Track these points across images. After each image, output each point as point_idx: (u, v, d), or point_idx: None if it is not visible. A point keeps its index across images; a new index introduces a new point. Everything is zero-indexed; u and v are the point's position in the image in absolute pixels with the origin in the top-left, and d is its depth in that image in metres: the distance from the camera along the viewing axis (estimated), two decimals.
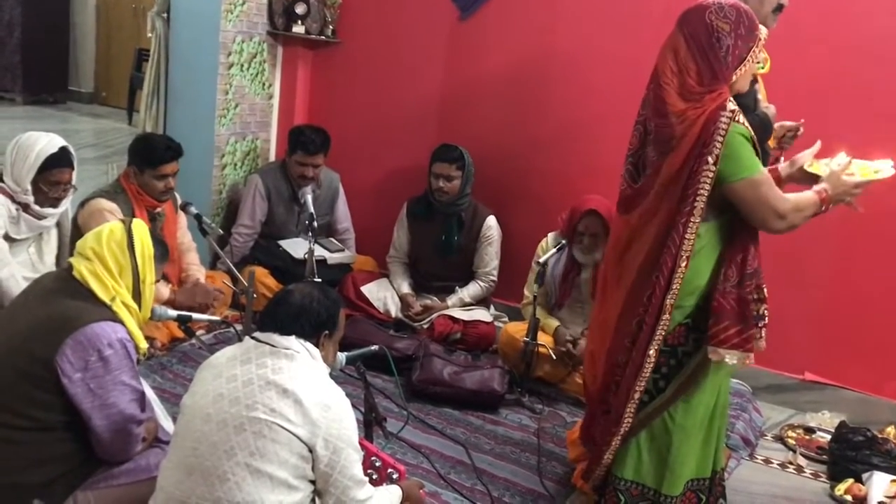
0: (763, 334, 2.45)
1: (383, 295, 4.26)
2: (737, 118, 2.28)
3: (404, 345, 3.85)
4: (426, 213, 4.25)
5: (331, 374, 2.10)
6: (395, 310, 4.21)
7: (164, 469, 2.00)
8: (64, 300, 2.22)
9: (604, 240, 3.61)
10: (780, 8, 2.81)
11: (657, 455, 2.51)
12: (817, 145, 2.53)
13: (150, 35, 4.66)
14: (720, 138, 2.25)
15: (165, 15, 4.52)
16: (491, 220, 4.23)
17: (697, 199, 2.29)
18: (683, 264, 2.34)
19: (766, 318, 2.46)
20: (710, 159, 2.26)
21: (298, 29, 4.71)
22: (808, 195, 2.38)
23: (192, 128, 4.48)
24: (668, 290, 2.36)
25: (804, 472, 3.36)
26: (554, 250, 3.66)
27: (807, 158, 2.51)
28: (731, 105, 2.28)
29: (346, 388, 2.12)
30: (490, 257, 4.24)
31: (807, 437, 3.60)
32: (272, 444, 1.87)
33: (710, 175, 2.27)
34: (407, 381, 3.61)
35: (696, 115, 2.28)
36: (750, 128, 2.33)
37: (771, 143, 2.94)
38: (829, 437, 3.50)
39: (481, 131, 4.40)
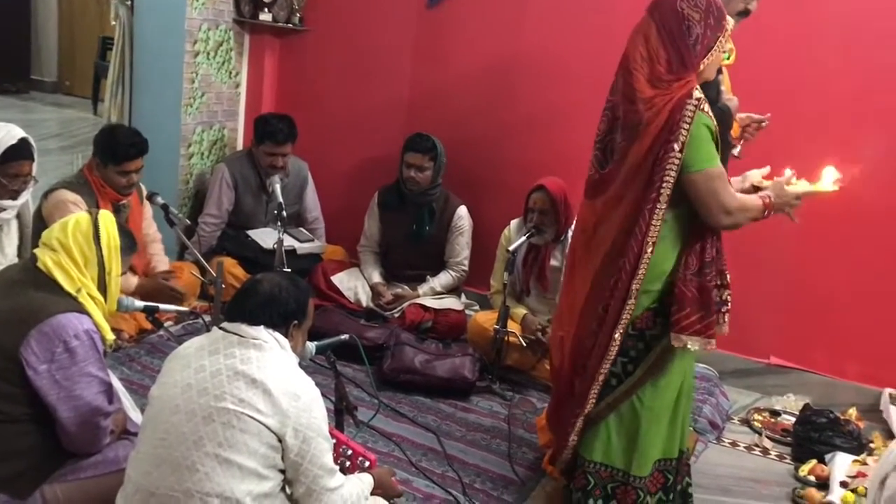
0: (726, 319, 2.49)
1: (354, 284, 4.25)
2: (703, 107, 2.30)
3: (375, 334, 3.85)
4: (397, 203, 4.24)
5: (301, 364, 2.09)
6: (365, 299, 4.20)
7: (132, 460, 1.98)
8: (29, 291, 2.20)
9: (552, 217, 3.68)
10: (746, 12, 2.85)
11: (626, 437, 2.54)
12: (767, 169, 2.60)
13: (113, 23, 4.59)
14: (686, 126, 2.28)
15: (129, 2, 4.46)
16: (462, 210, 4.24)
17: (664, 185, 2.32)
18: (649, 250, 2.37)
19: (730, 304, 2.49)
20: (675, 146, 2.29)
21: (265, 17, 4.67)
22: (754, 198, 2.46)
23: (158, 117, 4.43)
24: (634, 276, 2.39)
25: (770, 454, 3.42)
26: (523, 238, 3.67)
27: (757, 176, 2.59)
28: (698, 93, 2.31)
29: (317, 377, 2.12)
30: (461, 247, 4.25)
31: (772, 419, 3.67)
32: (241, 434, 1.87)
33: (676, 162, 2.30)
34: (378, 369, 3.61)
35: (663, 102, 2.30)
36: (714, 118, 2.36)
37: (734, 132, 2.98)
38: (793, 419, 3.57)
39: (451, 120, 4.40)
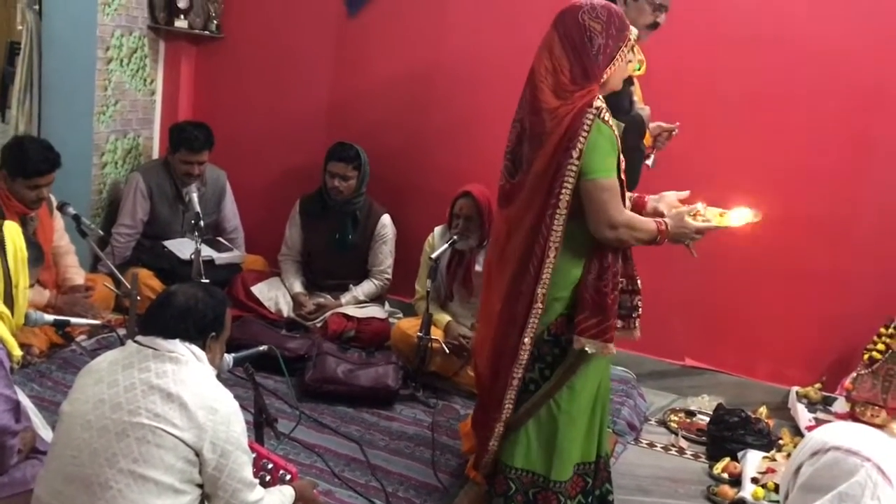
0: (637, 325, 2.55)
1: (274, 294, 4.20)
2: (602, 115, 2.35)
3: (297, 344, 3.81)
4: (320, 211, 4.21)
5: (220, 377, 2.06)
6: (286, 309, 4.16)
7: (41, 479, 1.92)
8: None
9: (477, 223, 3.73)
10: (655, 25, 2.94)
11: (545, 442, 2.57)
12: (686, 193, 2.63)
13: (20, 28, 4.43)
14: (584, 133, 2.33)
15: (37, 6, 4.30)
16: (385, 219, 4.24)
17: (563, 191, 2.36)
18: (552, 255, 2.41)
19: (640, 309, 2.55)
20: (574, 153, 2.34)
21: (181, 23, 4.58)
22: (647, 220, 2.48)
23: (69, 125, 4.29)
24: (538, 280, 2.43)
25: (686, 453, 3.52)
26: (445, 245, 3.70)
27: (673, 199, 2.61)
28: (599, 102, 2.36)
29: (236, 390, 2.09)
30: (384, 255, 4.25)
31: (688, 420, 3.78)
32: (156, 449, 1.83)
33: (574, 169, 2.35)
34: (300, 380, 3.57)
35: (565, 112, 2.35)
36: (615, 128, 2.41)
37: (647, 141, 3.06)
38: (708, 419, 3.68)
39: (373, 128, 4.39)
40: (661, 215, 2.55)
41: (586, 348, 2.44)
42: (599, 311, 2.44)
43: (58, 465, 1.88)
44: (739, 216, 2.53)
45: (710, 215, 2.54)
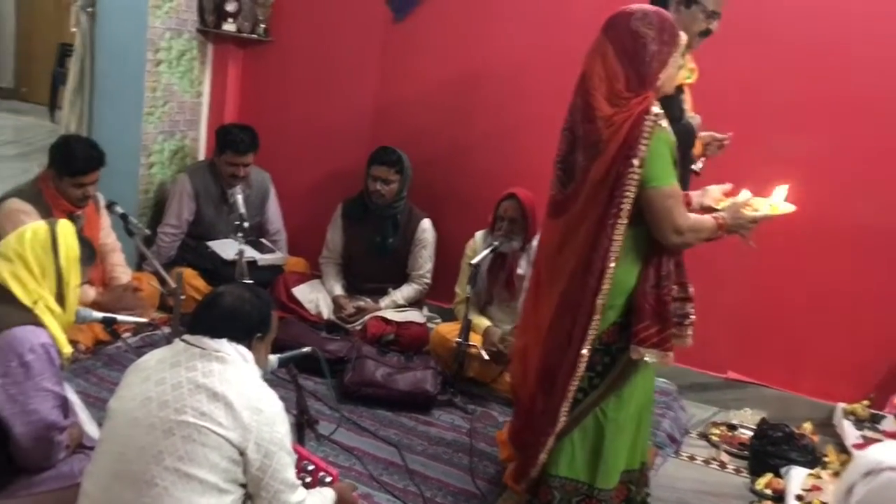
0: (690, 332, 2.52)
1: (315, 296, 4.23)
2: (661, 122, 2.33)
3: (336, 346, 3.83)
4: (361, 215, 4.23)
5: (262, 377, 2.07)
6: (327, 311, 4.18)
7: (88, 474, 1.94)
8: None
9: (521, 225, 3.73)
10: (707, 32, 2.90)
11: (590, 450, 2.55)
12: (728, 186, 2.62)
13: (74, 30, 4.52)
14: (645, 141, 2.30)
15: (91, 9, 4.39)
16: (426, 223, 4.24)
17: (624, 201, 2.34)
18: (611, 265, 2.39)
19: (692, 316, 2.52)
20: (635, 162, 2.31)
21: (229, 27, 4.64)
22: (707, 219, 2.47)
23: (119, 126, 4.37)
24: (598, 292, 2.40)
25: (727, 467, 3.46)
26: (487, 251, 3.69)
27: (717, 193, 2.61)
28: (656, 109, 2.34)
29: (278, 390, 2.10)
30: (424, 260, 4.25)
31: (729, 433, 3.71)
32: (202, 447, 1.84)
33: (636, 178, 2.32)
34: (339, 382, 3.59)
35: (622, 120, 2.33)
36: (673, 135, 2.39)
37: (696, 150, 3.03)
38: (750, 433, 3.62)
39: (413, 133, 4.40)
40: (708, 210, 2.54)
41: (646, 358, 2.41)
42: (660, 319, 2.41)
43: (105, 462, 1.91)
44: (785, 204, 2.50)
45: (758, 205, 2.51)
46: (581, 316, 2.44)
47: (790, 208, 2.50)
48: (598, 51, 2.43)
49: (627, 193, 2.33)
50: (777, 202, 2.51)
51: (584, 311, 2.43)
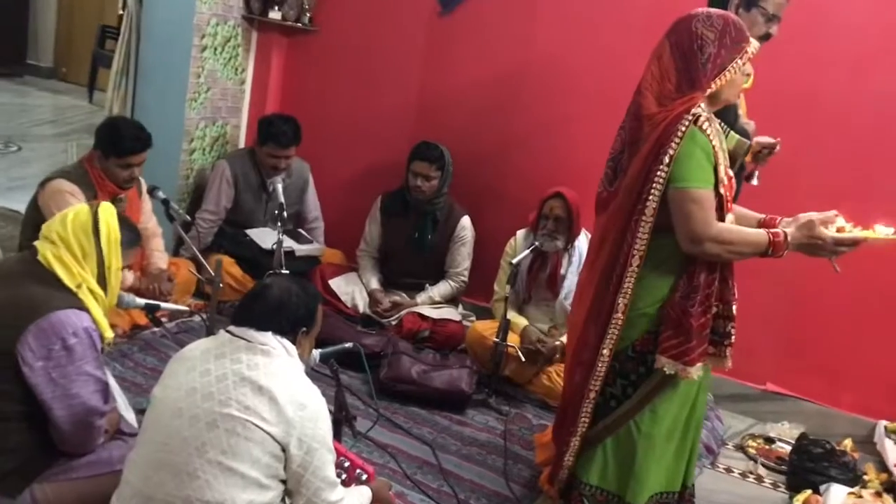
0: (728, 353, 2.45)
1: (351, 289, 4.20)
2: (701, 124, 2.26)
3: (372, 341, 3.80)
4: (401, 210, 4.20)
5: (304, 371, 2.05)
6: (362, 305, 4.16)
7: (130, 463, 1.93)
8: (28, 285, 2.14)
9: (566, 225, 3.69)
10: (767, 36, 2.83)
11: (623, 462, 2.50)
12: (832, 213, 2.36)
13: (121, 12, 4.55)
14: (677, 140, 2.24)
15: None
16: (465, 221, 4.20)
17: (650, 198, 2.29)
18: (635, 264, 2.34)
19: (733, 337, 2.44)
20: (665, 159, 2.26)
21: (275, 15, 4.62)
22: (749, 232, 2.34)
23: (162, 110, 4.37)
24: (620, 290, 2.36)
25: (764, 481, 3.40)
26: (527, 251, 3.65)
27: (815, 220, 2.33)
28: (698, 111, 2.27)
29: (316, 384, 2.07)
30: (462, 257, 4.21)
31: (767, 447, 3.64)
32: (245, 441, 1.82)
33: (663, 175, 2.27)
34: (374, 378, 3.55)
35: (662, 118, 2.29)
36: (714, 139, 2.30)
37: (747, 158, 2.96)
38: (788, 447, 3.55)
39: (456, 129, 4.36)
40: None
41: (665, 368, 2.36)
42: (682, 331, 2.35)
43: (148, 450, 1.89)
44: (885, 230, 2.31)
45: (849, 229, 2.33)
46: (603, 313, 2.41)
47: (886, 237, 2.30)
48: (657, 52, 2.40)
49: (654, 191, 2.28)
50: (875, 228, 2.32)
51: (605, 308, 2.40)
